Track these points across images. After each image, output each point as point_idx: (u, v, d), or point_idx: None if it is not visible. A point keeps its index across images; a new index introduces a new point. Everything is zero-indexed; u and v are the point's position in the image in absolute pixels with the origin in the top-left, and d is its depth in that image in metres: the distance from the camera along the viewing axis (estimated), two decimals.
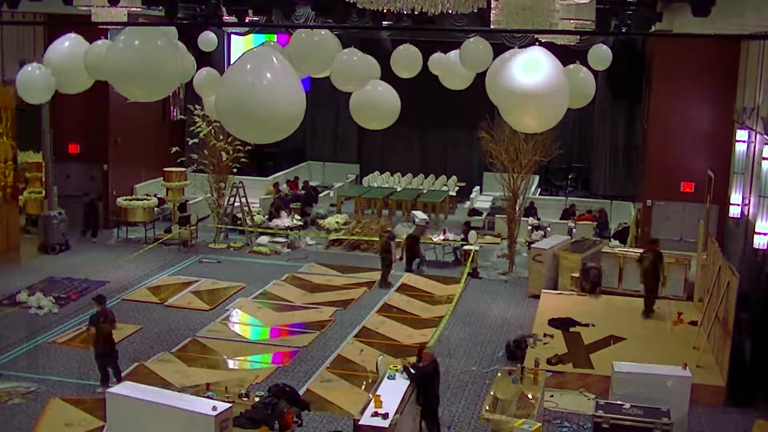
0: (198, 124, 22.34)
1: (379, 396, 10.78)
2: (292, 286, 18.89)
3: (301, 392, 13.06)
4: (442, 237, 21.42)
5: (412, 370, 11.40)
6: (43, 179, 21.47)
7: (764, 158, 14.37)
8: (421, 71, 14.52)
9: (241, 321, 16.77)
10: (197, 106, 21.61)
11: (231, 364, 14.63)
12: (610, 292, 18.23)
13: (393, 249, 19.27)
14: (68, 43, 11.61)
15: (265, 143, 10.83)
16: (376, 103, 10.76)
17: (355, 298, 18.03)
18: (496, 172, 20.78)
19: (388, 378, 11.57)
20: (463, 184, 27.73)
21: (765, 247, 13.94)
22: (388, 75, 13.20)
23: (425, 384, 11.37)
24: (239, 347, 15.25)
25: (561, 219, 23.80)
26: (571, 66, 11.40)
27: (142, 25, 11.88)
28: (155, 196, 23.65)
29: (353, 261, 21.10)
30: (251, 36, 26.48)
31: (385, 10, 7.87)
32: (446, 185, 27.72)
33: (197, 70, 14.81)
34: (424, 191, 26.88)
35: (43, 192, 21.37)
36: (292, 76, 6.38)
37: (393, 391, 11.11)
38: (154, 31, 8.24)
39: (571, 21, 10.96)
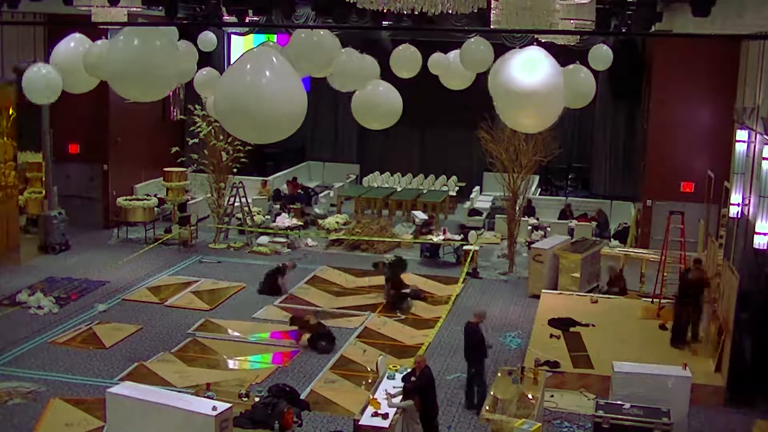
0: (198, 124, 22.35)
1: (376, 398, 10.78)
2: (317, 290, 18.79)
3: (305, 393, 13.07)
4: (442, 237, 21.42)
5: (412, 378, 11.34)
6: (43, 179, 21.47)
7: (764, 158, 14.36)
8: (421, 71, 14.52)
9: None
10: (197, 106, 21.63)
11: (231, 364, 14.64)
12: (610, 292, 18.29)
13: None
14: (73, 43, 11.63)
15: (265, 143, 10.82)
16: (378, 103, 10.75)
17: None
18: (496, 172, 20.78)
19: (387, 378, 11.59)
20: (463, 184, 27.72)
21: (765, 247, 13.93)
22: (388, 75, 13.19)
23: (426, 392, 11.30)
24: (239, 347, 15.25)
25: (559, 219, 23.82)
26: (571, 66, 11.39)
27: (141, 25, 11.87)
28: (155, 196, 23.66)
29: (354, 261, 21.12)
30: (251, 36, 26.48)
31: (385, 10, 7.87)
32: (446, 185, 27.71)
33: (197, 70, 14.81)
34: (424, 191, 26.88)
35: (44, 192, 21.37)
36: (293, 76, 6.38)
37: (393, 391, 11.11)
38: (152, 30, 8.23)
39: (571, 21, 10.95)
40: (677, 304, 14.96)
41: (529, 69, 7.15)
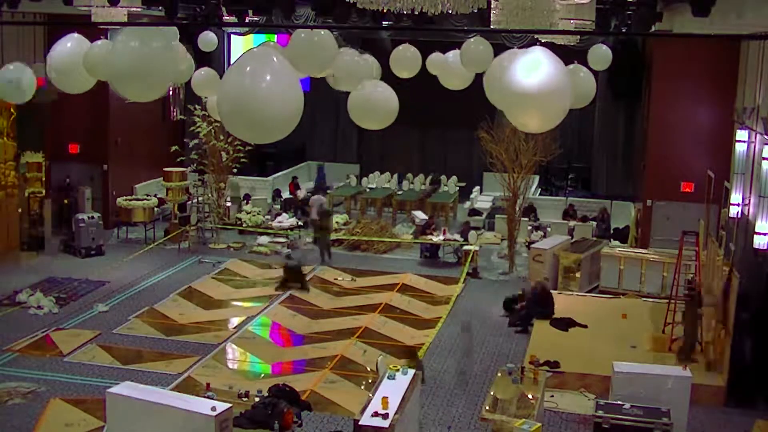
0: (198, 124, 22.34)
1: (387, 397, 10.73)
2: (317, 290, 18.71)
3: (304, 393, 13.04)
4: (442, 237, 21.41)
5: None
6: (43, 179, 21.44)
7: (764, 158, 14.36)
8: (421, 71, 14.52)
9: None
10: (197, 106, 21.64)
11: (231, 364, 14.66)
12: (609, 292, 18.28)
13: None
14: (70, 44, 11.63)
15: (263, 143, 10.84)
16: (374, 103, 10.75)
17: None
18: (496, 172, 20.77)
19: (388, 378, 11.55)
20: (463, 184, 27.68)
21: (765, 247, 13.93)
22: (388, 75, 13.20)
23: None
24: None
25: (562, 219, 23.79)
26: (571, 66, 11.39)
27: (142, 25, 11.88)
28: (155, 196, 23.66)
29: (354, 261, 21.11)
30: (251, 36, 26.48)
31: (385, 10, 7.86)
32: (446, 185, 27.68)
33: (197, 70, 14.81)
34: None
35: (44, 192, 21.35)
36: (291, 75, 6.38)
37: (393, 391, 11.10)
38: (151, 31, 8.25)
39: (571, 21, 10.95)
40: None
41: (532, 70, 7.16)
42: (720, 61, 18.99)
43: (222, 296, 18.09)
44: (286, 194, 26.35)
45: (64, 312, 16.65)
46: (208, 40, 19.69)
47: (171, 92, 24.85)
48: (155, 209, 23.11)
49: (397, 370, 11.71)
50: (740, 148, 16.85)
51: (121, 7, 11.92)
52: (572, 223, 23.04)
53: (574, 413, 12.64)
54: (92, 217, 20.85)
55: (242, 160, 22.74)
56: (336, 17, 13.31)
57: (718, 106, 19.24)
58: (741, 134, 16.81)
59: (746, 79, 17.55)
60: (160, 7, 14.56)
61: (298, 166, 29.37)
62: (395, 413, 10.63)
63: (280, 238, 22.32)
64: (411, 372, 11.62)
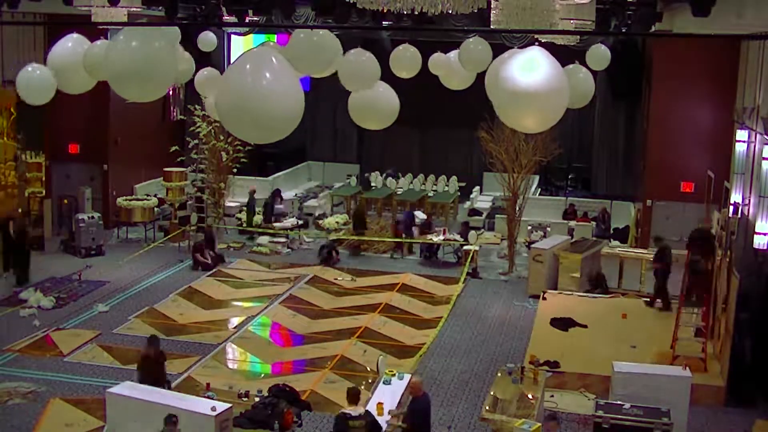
0: (198, 124, 22.34)
1: (382, 404, 10.71)
2: (317, 290, 18.75)
3: (304, 393, 13.05)
4: (442, 237, 21.40)
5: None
6: (43, 179, 21.44)
7: (764, 158, 14.36)
8: (421, 71, 14.53)
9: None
10: (197, 106, 21.63)
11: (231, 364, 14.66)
12: (610, 292, 18.27)
13: None
14: (71, 44, 11.64)
15: (264, 143, 10.85)
16: (375, 103, 10.76)
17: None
18: (496, 172, 20.77)
19: (383, 383, 11.53)
20: (463, 185, 27.67)
21: (765, 247, 13.93)
22: (388, 75, 13.19)
23: (421, 419, 10.47)
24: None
25: (562, 219, 23.78)
26: (571, 66, 11.40)
27: (142, 25, 11.88)
28: (155, 196, 23.65)
29: (354, 261, 21.11)
30: (251, 36, 26.48)
31: (385, 10, 7.87)
32: (447, 185, 27.69)
33: (197, 70, 14.82)
34: (429, 193, 26.78)
35: (44, 192, 21.35)
36: (291, 75, 6.39)
37: (389, 395, 11.12)
38: (152, 31, 8.26)
39: (571, 21, 10.97)
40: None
41: (529, 69, 7.16)
42: (720, 61, 19.01)
43: (222, 296, 18.12)
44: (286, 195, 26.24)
45: (64, 312, 16.65)
46: (208, 40, 19.69)
47: (171, 92, 24.87)
48: (155, 209, 23.11)
49: (393, 374, 11.71)
50: (740, 148, 16.85)
51: (121, 7, 11.94)
52: (572, 223, 23.04)
53: (574, 413, 12.64)
54: (92, 217, 20.83)
55: (242, 160, 22.72)
56: (336, 17, 13.31)
57: (718, 106, 19.26)
58: (741, 134, 16.82)
59: (746, 79, 17.56)
60: (160, 7, 14.58)
61: (298, 166, 29.37)
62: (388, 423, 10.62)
63: (279, 237, 22.31)
64: (407, 376, 11.64)
